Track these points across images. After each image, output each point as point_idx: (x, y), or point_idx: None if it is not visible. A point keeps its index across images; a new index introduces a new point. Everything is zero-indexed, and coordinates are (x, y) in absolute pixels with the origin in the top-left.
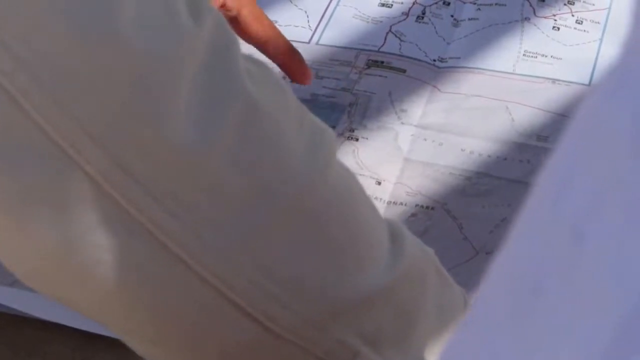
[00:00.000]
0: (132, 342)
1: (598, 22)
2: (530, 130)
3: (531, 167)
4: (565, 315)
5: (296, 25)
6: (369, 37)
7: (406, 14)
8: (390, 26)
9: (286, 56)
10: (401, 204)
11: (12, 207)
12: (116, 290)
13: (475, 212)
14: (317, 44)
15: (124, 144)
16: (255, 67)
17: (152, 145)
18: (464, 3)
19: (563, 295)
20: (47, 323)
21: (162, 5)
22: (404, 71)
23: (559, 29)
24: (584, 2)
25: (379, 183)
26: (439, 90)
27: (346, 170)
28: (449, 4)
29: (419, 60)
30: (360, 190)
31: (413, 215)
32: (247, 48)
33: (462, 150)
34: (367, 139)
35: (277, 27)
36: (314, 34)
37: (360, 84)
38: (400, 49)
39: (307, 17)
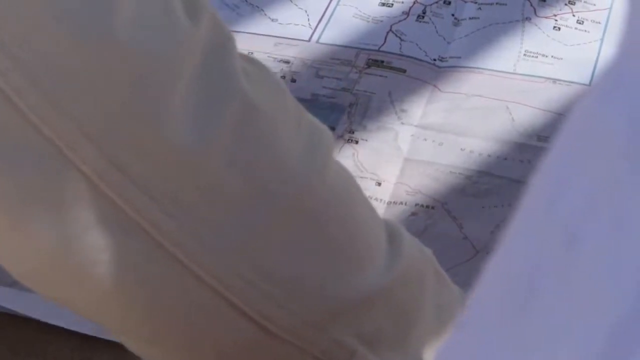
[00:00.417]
0: (129, 342)
1: (599, 22)
2: (531, 130)
3: (532, 167)
4: (561, 317)
5: (296, 24)
6: (369, 37)
7: (407, 13)
8: (391, 25)
9: None
10: (401, 203)
11: (8, 207)
12: (113, 290)
13: (475, 211)
14: (317, 42)
15: (120, 143)
16: (253, 66)
17: (149, 145)
18: (465, 2)
19: (558, 297)
20: (47, 324)
21: (159, 5)
22: (404, 71)
23: (559, 28)
24: (585, 2)
25: (379, 184)
26: (439, 90)
27: (344, 170)
28: (449, 3)
29: (420, 59)
30: (358, 190)
31: (413, 214)
32: (245, 47)
33: (462, 149)
34: (366, 140)
35: (278, 25)
36: (314, 32)
37: (360, 84)
38: (400, 48)
39: (307, 16)
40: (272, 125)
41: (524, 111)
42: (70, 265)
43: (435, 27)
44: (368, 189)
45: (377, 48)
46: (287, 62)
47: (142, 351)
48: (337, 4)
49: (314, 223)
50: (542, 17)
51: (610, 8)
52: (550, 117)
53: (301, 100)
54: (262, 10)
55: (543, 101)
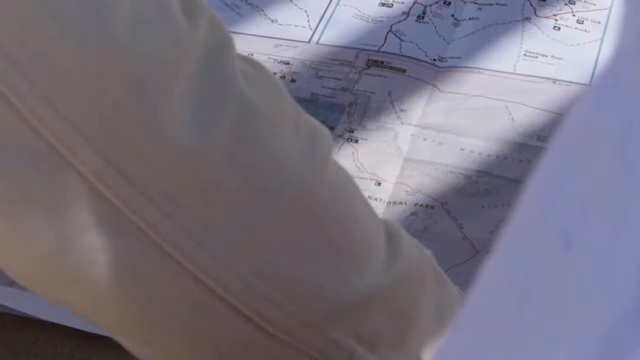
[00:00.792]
0: (127, 343)
1: (599, 22)
2: (531, 130)
3: (531, 167)
4: (556, 319)
5: (296, 25)
6: (369, 37)
7: (407, 13)
8: (391, 26)
9: None
10: (401, 203)
11: (5, 208)
12: (110, 290)
13: (475, 211)
14: (317, 43)
15: (118, 144)
16: (252, 68)
17: (147, 146)
18: (465, 3)
19: (554, 299)
20: (46, 323)
21: (155, 6)
22: (404, 71)
23: (559, 28)
24: (585, 1)
25: (379, 184)
26: (439, 90)
27: (343, 171)
28: (449, 3)
29: (419, 60)
30: (356, 190)
31: (413, 214)
32: (245, 49)
33: (462, 149)
34: (366, 139)
35: (278, 26)
36: (314, 33)
37: (360, 84)
38: (400, 48)
39: (307, 16)
40: (270, 126)
41: (523, 111)
42: (68, 266)
43: (435, 27)
44: (368, 188)
45: (377, 48)
46: (287, 63)
47: (140, 352)
48: (337, 4)
49: (313, 224)
50: (542, 17)
51: (611, 8)
52: (550, 117)
53: (301, 99)
54: (262, 11)
55: (543, 101)
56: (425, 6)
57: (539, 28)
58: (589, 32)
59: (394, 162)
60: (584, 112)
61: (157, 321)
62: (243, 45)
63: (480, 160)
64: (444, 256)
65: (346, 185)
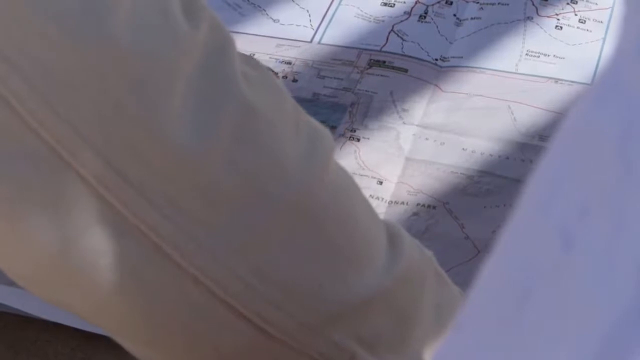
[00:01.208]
0: (127, 344)
1: (601, 22)
2: (533, 130)
3: (533, 167)
4: (556, 319)
5: (298, 25)
6: (371, 37)
7: (408, 13)
8: (393, 25)
9: None
10: (402, 203)
11: (6, 210)
12: (111, 293)
13: (477, 211)
14: (319, 43)
15: (118, 146)
16: (252, 69)
17: (147, 147)
18: (467, 2)
19: (553, 299)
20: (47, 323)
21: (156, 7)
22: (406, 71)
23: (561, 28)
24: (587, 1)
25: (381, 183)
26: (440, 89)
27: (344, 172)
28: (451, 3)
29: (421, 59)
30: (357, 191)
31: (415, 214)
32: (246, 48)
33: (464, 149)
34: (368, 139)
35: (279, 26)
36: (315, 33)
37: (362, 84)
38: (402, 48)
39: (309, 16)
40: (270, 127)
41: (525, 111)
42: (69, 268)
43: (437, 27)
44: (369, 187)
45: (378, 48)
46: (288, 63)
47: (140, 353)
48: (339, 4)
49: (313, 225)
50: (544, 16)
51: (613, 7)
52: (552, 116)
53: (303, 99)
54: (264, 10)
55: (545, 101)
56: (427, 6)
57: (541, 27)
58: (591, 31)
59: (395, 162)
60: (584, 112)
61: (158, 323)
62: (245, 45)
63: (482, 160)
64: (445, 256)
65: (347, 186)
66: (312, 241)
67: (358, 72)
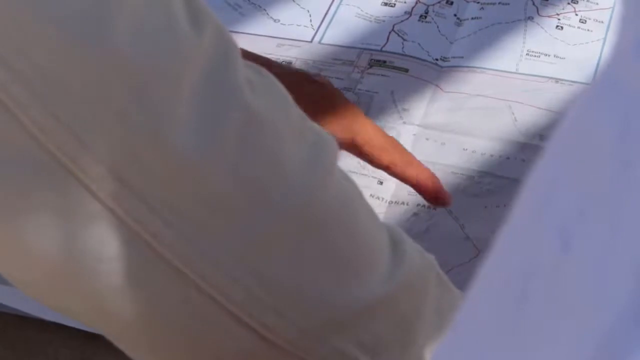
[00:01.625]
0: (129, 350)
1: (602, 22)
2: (533, 130)
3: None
4: (553, 320)
5: (299, 25)
6: (371, 37)
7: (409, 13)
8: (393, 25)
9: (418, 182)
10: (403, 203)
11: (6, 217)
12: (112, 299)
13: (477, 211)
14: (319, 43)
15: (120, 153)
16: (257, 75)
17: (149, 155)
18: (467, 2)
19: (551, 299)
20: (47, 324)
21: (161, 14)
22: (407, 70)
23: (562, 28)
24: (587, 1)
25: (381, 183)
26: (441, 89)
27: (347, 179)
28: (452, 3)
29: (422, 59)
30: (360, 198)
31: (415, 214)
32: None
33: (464, 149)
34: None
35: (280, 26)
36: (316, 33)
37: (362, 84)
38: (402, 48)
39: (310, 16)
40: (275, 135)
41: (526, 111)
42: (69, 274)
43: (438, 27)
44: (370, 186)
45: (379, 48)
46: (289, 62)
47: (142, 359)
48: (340, 4)
49: (316, 232)
50: (544, 16)
51: (613, 7)
52: (552, 116)
53: None
54: (265, 10)
55: (545, 101)
56: (428, 6)
57: (542, 27)
58: (591, 31)
59: None
60: (582, 112)
61: (160, 330)
62: (245, 45)
63: (483, 161)
64: (445, 257)
65: (350, 193)
66: (315, 248)
67: (359, 72)
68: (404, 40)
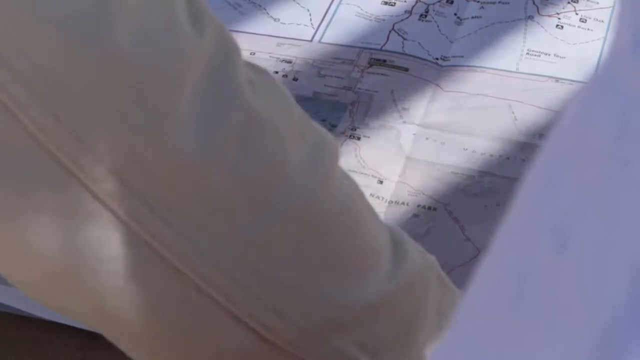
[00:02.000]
0: (129, 350)
1: (602, 21)
2: (534, 130)
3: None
4: (550, 319)
5: (298, 24)
6: (371, 36)
7: (409, 12)
8: (393, 24)
9: None
10: (403, 203)
11: (5, 217)
12: (112, 300)
13: (477, 211)
14: (319, 42)
15: (120, 154)
16: (258, 75)
17: (149, 155)
18: (468, 1)
19: (547, 299)
20: (47, 323)
21: (162, 14)
22: (407, 70)
23: (562, 27)
24: (588, 0)
25: (381, 182)
26: (441, 89)
27: (348, 179)
28: (452, 2)
29: (422, 58)
30: (361, 198)
31: (415, 215)
32: (247, 47)
33: (464, 149)
34: (369, 137)
35: (280, 25)
36: (316, 32)
37: (362, 83)
38: (403, 47)
39: (310, 15)
40: (275, 136)
41: (526, 110)
42: (69, 274)
43: (438, 26)
44: (370, 185)
45: (379, 47)
46: (289, 61)
47: (142, 359)
48: (340, 3)
49: (317, 233)
50: (544, 15)
51: (613, 6)
52: (553, 116)
53: (303, 98)
54: (264, 9)
55: (546, 100)
56: (428, 5)
57: (542, 27)
58: (592, 30)
59: (396, 161)
60: (580, 111)
61: (160, 330)
62: (245, 44)
63: (483, 160)
64: (446, 258)
65: (352, 193)
66: (316, 249)
67: (358, 71)
68: (404, 39)
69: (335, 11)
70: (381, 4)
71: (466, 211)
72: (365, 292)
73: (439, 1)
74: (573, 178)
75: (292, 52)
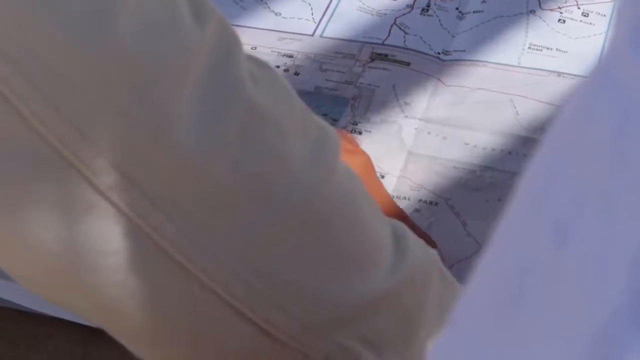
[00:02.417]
0: (130, 345)
1: (604, 15)
2: (535, 124)
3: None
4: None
5: (300, 18)
6: (373, 30)
7: (411, 6)
8: (395, 19)
9: None
10: (404, 198)
11: (7, 210)
12: (113, 294)
13: (479, 205)
14: (320, 36)
15: (122, 148)
16: (259, 69)
17: (151, 150)
18: None
19: (546, 298)
20: (47, 318)
21: (164, 9)
22: (408, 64)
23: (564, 21)
24: None
25: (382, 177)
26: (443, 83)
27: (350, 173)
28: None
29: (424, 53)
30: (363, 192)
31: (417, 210)
32: (248, 42)
33: (466, 144)
34: (370, 132)
35: (281, 19)
36: (317, 26)
37: (364, 77)
38: (404, 41)
39: (311, 9)
40: (277, 130)
41: (528, 104)
42: (70, 269)
43: (440, 20)
44: None
45: (381, 41)
46: (290, 56)
47: (143, 354)
48: None
49: (319, 227)
50: (546, 9)
51: (615, 0)
52: (554, 110)
53: (304, 92)
54: (266, 4)
55: (547, 94)
56: None
57: (544, 21)
58: (593, 24)
59: (397, 155)
60: (580, 106)
61: (161, 325)
62: (247, 38)
63: (485, 155)
64: (447, 252)
65: (354, 188)
66: (318, 243)
67: (360, 66)
68: (406, 33)
69: (336, 5)
70: None
71: (468, 206)
72: (367, 287)
73: None
74: (573, 173)
75: (294, 46)
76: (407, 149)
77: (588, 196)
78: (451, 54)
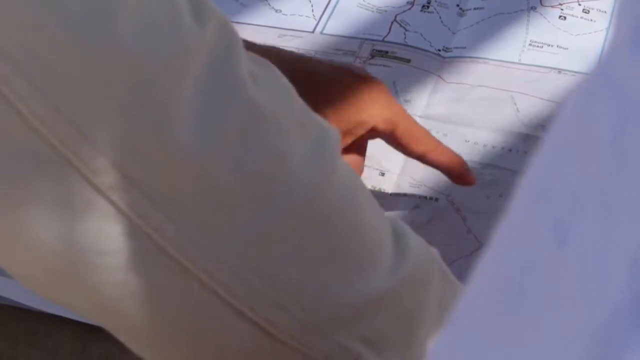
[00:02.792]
0: (130, 344)
1: (605, 12)
2: (536, 121)
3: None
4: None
5: (300, 15)
6: (373, 27)
7: (411, 3)
8: (395, 15)
9: (448, 166)
10: (405, 195)
11: (7, 209)
12: (114, 293)
13: (479, 203)
14: (321, 33)
15: (122, 148)
16: (259, 68)
17: (151, 149)
18: None
19: (546, 297)
20: (47, 315)
21: (164, 8)
22: (409, 61)
23: (565, 18)
24: None
25: (383, 174)
26: (443, 80)
27: (350, 172)
28: None
29: (424, 50)
30: (364, 191)
31: (417, 206)
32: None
33: (466, 141)
34: None
35: (282, 16)
36: (318, 23)
37: None
38: (405, 38)
39: (312, 6)
40: (277, 129)
41: (528, 101)
42: (71, 268)
43: (440, 17)
44: (372, 178)
45: (381, 38)
46: None
47: (143, 352)
48: None
49: (319, 227)
50: (547, 6)
51: None
52: (555, 107)
53: None
54: (266, 1)
55: (548, 91)
56: None
57: (545, 17)
58: (594, 21)
59: (398, 153)
60: (578, 105)
61: (161, 325)
62: (247, 35)
63: (485, 152)
64: (447, 249)
65: (354, 186)
66: (318, 243)
67: (360, 62)
68: (406, 30)
69: (337, 2)
70: None
71: (468, 202)
72: (368, 286)
73: None
74: (573, 172)
75: (294, 43)
76: None
77: (588, 195)
78: (452, 51)
